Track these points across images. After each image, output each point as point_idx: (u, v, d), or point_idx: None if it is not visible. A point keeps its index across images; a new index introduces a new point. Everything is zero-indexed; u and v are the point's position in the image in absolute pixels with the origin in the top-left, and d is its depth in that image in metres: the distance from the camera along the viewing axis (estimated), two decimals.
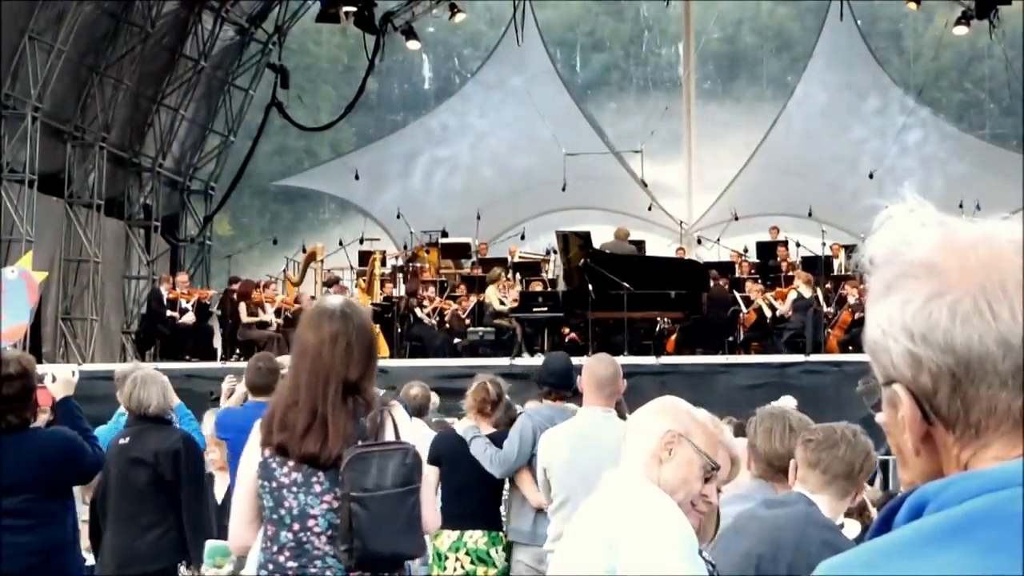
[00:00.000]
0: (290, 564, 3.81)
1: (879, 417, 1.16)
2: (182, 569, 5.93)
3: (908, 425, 1.11)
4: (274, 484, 3.82)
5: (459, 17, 25.22)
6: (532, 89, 26.10)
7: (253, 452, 3.91)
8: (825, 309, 17.18)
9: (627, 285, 16.12)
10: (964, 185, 22.48)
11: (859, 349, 14.12)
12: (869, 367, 1.16)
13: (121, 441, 6.12)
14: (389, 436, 3.85)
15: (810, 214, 21.88)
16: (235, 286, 18.09)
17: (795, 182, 25.25)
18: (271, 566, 3.84)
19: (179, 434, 6.12)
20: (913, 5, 23.73)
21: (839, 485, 3.47)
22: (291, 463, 3.81)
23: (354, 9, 22.71)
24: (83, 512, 6.38)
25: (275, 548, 3.83)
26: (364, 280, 19.89)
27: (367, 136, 29.23)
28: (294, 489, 3.81)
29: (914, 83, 27.31)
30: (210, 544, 4.77)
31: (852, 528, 4.13)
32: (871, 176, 23.97)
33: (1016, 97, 25.83)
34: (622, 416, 6.00)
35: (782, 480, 4.05)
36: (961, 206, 18.93)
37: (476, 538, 6.65)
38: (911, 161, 26.02)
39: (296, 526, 3.81)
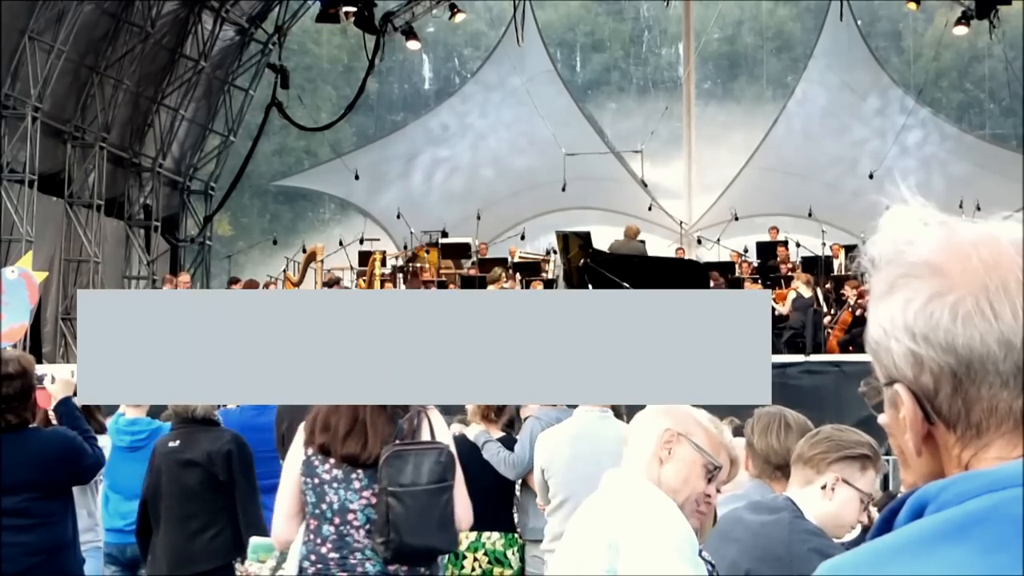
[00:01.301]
0: (332, 555, 4.06)
1: (881, 418, 1.16)
2: (238, 566, 6.00)
3: (910, 425, 1.11)
4: (316, 480, 4.07)
5: (459, 17, 25.23)
6: (532, 89, 26.11)
7: (297, 451, 4.16)
8: (825, 309, 17.17)
9: (627, 285, 16.12)
10: (964, 185, 22.49)
11: (859, 349, 14.13)
12: (869, 367, 1.16)
13: (170, 444, 6.22)
14: (425, 437, 4.10)
15: (810, 214, 21.87)
16: (236, 287, 18.09)
17: (795, 182, 25.26)
18: (313, 557, 4.08)
19: (229, 435, 6.17)
20: (913, 5, 23.73)
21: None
22: (332, 461, 4.06)
23: (354, 9, 22.71)
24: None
25: (318, 540, 4.07)
26: (364, 280, 19.90)
27: (367, 136, 29.24)
28: (335, 485, 4.06)
29: (914, 83, 27.31)
30: (254, 541, 4.90)
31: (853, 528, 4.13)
32: (871, 176, 23.98)
33: (1016, 97, 25.84)
34: (619, 416, 6.01)
35: (779, 479, 4.04)
36: (961, 206, 18.93)
37: (494, 539, 6.71)
38: (911, 161, 26.02)
39: (337, 520, 4.05)
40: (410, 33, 25.00)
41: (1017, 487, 1.02)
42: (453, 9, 24.73)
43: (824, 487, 3.31)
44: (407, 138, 27.53)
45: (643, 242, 19.72)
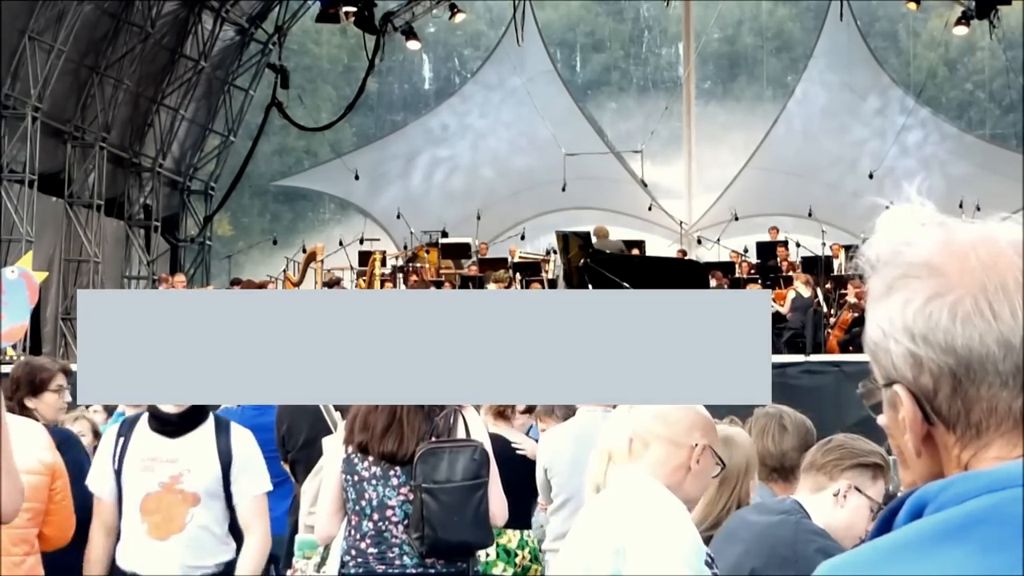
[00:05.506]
0: (371, 550, 4.18)
1: (880, 419, 1.16)
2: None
3: (909, 426, 1.11)
4: (356, 478, 4.20)
5: (459, 17, 25.23)
6: (532, 89, 26.12)
7: (337, 450, 4.30)
8: (825, 309, 17.17)
9: (627, 285, 16.12)
10: (964, 185, 22.49)
11: (859, 349, 14.12)
12: (869, 367, 1.16)
13: None
14: (460, 434, 4.22)
15: (810, 214, 21.88)
16: (237, 288, 18.11)
17: (795, 182, 25.27)
18: (354, 552, 4.20)
19: None
20: (912, 5, 23.74)
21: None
22: (371, 458, 4.19)
23: (354, 9, 22.72)
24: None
25: (358, 536, 4.20)
26: (364, 280, 19.91)
27: (367, 136, 29.25)
28: (373, 482, 4.19)
29: (914, 83, 27.32)
30: (300, 538, 5.05)
31: None
32: (871, 176, 24.00)
33: (1016, 97, 25.84)
34: None
35: (775, 481, 4.05)
36: (961, 206, 18.94)
37: (533, 538, 6.74)
38: (911, 161, 26.04)
39: (376, 516, 4.18)
40: (410, 33, 25.01)
41: (1017, 487, 1.02)
42: (453, 9, 24.74)
43: (836, 494, 3.32)
44: (407, 138, 27.54)
45: (635, 243, 19.80)
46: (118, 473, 4.54)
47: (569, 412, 6.75)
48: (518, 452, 6.62)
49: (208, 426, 4.57)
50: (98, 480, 4.63)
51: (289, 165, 31.81)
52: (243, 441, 4.59)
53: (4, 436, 3.15)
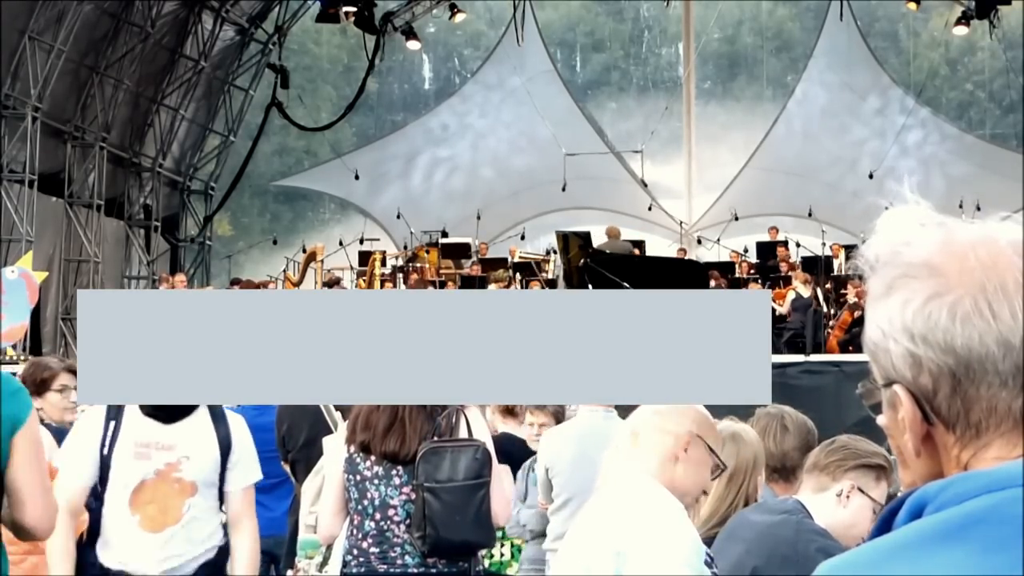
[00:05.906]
0: (373, 550, 4.18)
1: (880, 419, 1.16)
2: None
3: (908, 426, 1.11)
4: (358, 477, 4.20)
5: (459, 17, 25.24)
6: (532, 89, 26.13)
7: (339, 449, 4.30)
8: (825, 309, 17.18)
9: (627, 285, 16.12)
10: (964, 185, 22.50)
11: (859, 349, 14.12)
12: (869, 367, 1.16)
13: None
14: (463, 434, 4.23)
15: (810, 214, 21.89)
16: (236, 287, 18.11)
17: (795, 182, 25.28)
18: (356, 551, 4.21)
19: None
20: (912, 5, 23.74)
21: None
22: (373, 458, 4.19)
23: (354, 9, 22.72)
24: None
25: (360, 535, 4.20)
26: (364, 280, 19.90)
27: (367, 136, 29.25)
28: (375, 481, 4.19)
29: (914, 83, 27.33)
30: (302, 538, 5.09)
31: None
32: (871, 176, 24.00)
33: (1016, 96, 25.85)
34: (624, 416, 6.00)
35: (776, 481, 4.05)
36: (961, 206, 18.95)
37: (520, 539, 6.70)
38: (911, 161, 26.04)
39: (378, 515, 4.18)
40: (410, 33, 25.01)
41: (1017, 487, 1.02)
42: (453, 9, 24.74)
43: (839, 494, 3.33)
44: (407, 138, 27.55)
45: (635, 243, 19.78)
46: (106, 459, 4.15)
47: (559, 407, 6.75)
48: None
49: (203, 411, 4.28)
50: (75, 463, 4.18)
51: (289, 165, 31.81)
52: (240, 428, 4.40)
53: (38, 451, 3.13)
